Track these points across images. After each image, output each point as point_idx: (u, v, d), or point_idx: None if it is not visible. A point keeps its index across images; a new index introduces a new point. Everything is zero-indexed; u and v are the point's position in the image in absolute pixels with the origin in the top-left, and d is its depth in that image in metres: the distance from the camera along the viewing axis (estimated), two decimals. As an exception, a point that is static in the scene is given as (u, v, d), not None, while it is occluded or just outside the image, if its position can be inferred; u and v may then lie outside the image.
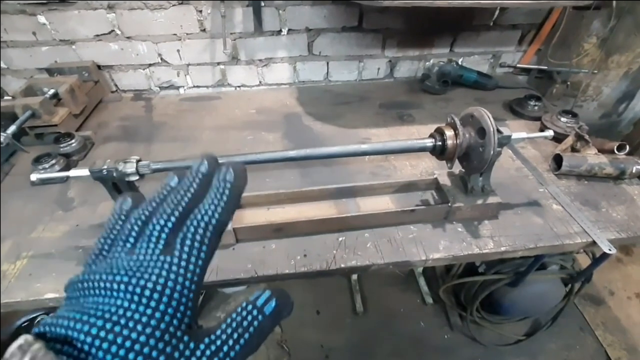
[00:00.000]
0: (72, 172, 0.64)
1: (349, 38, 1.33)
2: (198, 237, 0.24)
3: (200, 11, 1.20)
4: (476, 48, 1.43)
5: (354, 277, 1.77)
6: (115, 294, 0.22)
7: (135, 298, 0.22)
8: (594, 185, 0.92)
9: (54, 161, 0.92)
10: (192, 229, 0.24)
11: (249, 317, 0.24)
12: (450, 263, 0.82)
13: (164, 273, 0.23)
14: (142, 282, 0.22)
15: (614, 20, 1.16)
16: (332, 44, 1.34)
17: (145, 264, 0.23)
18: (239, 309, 0.25)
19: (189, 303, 0.23)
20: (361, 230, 0.79)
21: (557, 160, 0.95)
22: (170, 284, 0.22)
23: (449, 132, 0.68)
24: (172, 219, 0.25)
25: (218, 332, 0.23)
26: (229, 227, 0.72)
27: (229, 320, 0.24)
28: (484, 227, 0.80)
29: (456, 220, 0.81)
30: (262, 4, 1.20)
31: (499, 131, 0.66)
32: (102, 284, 0.23)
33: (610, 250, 0.75)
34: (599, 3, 1.13)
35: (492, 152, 0.65)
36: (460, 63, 1.39)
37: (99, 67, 1.30)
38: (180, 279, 0.23)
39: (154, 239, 0.24)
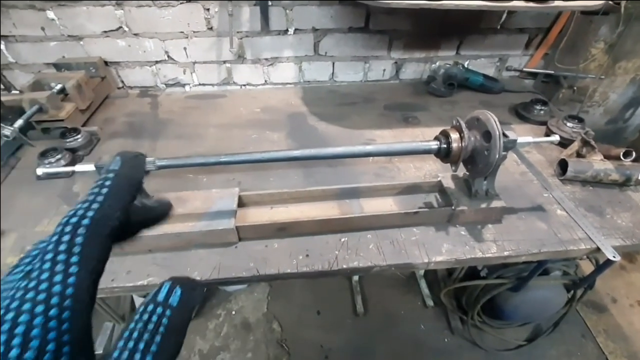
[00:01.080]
0: (78, 167, 0.65)
1: (355, 39, 1.33)
2: (62, 246, 0.20)
3: (208, 9, 1.20)
4: (483, 51, 1.42)
5: (355, 278, 1.76)
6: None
7: None
8: (599, 192, 0.91)
9: (59, 156, 0.92)
10: (54, 237, 0.20)
11: (154, 318, 0.22)
12: (452, 266, 0.81)
13: (13, 306, 0.17)
14: None
15: (622, 26, 1.15)
16: (338, 44, 1.34)
17: (9, 296, 0.18)
18: (137, 316, 0.22)
19: (61, 337, 0.17)
20: (364, 232, 0.79)
21: (563, 165, 0.95)
22: (21, 322, 0.17)
23: (455, 135, 0.68)
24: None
25: (116, 354, 0.20)
26: (231, 225, 0.73)
27: (127, 334, 0.21)
28: (488, 231, 0.79)
29: (459, 223, 0.80)
30: (270, 3, 1.20)
31: (504, 135, 0.66)
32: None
33: (614, 257, 0.75)
34: (607, 8, 1.13)
35: (497, 156, 0.64)
36: (466, 66, 1.38)
37: (106, 63, 1.31)
38: (38, 308, 0.17)
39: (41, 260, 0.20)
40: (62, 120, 1.06)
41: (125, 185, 0.24)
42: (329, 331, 1.59)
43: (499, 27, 1.35)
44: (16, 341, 0.16)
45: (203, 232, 0.73)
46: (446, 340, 1.56)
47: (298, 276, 0.72)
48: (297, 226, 0.77)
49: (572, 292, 1.29)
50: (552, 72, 1.37)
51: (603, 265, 1.04)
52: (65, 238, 0.20)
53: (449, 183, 0.84)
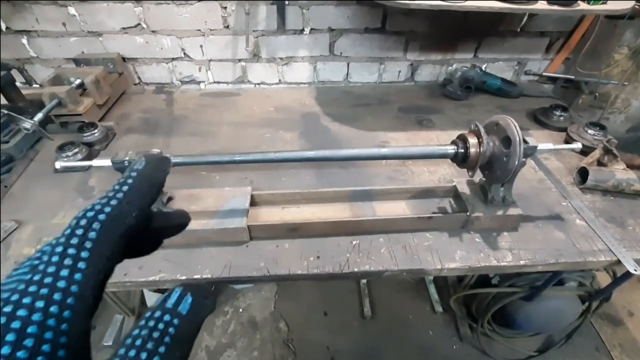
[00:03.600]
0: (95, 162, 0.65)
1: (371, 39, 1.32)
2: (74, 239, 0.19)
3: (225, 8, 1.21)
4: (501, 54, 1.40)
5: (364, 280, 1.75)
6: None
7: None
8: (620, 202, 0.88)
9: (76, 150, 0.94)
10: (67, 230, 0.19)
11: (160, 325, 0.20)
12: (465, 274, 0.80)
13: (13, 299, 0.16)
14: None
15: (648, 31, 1.12)
16: (353, 44, 1.33)
17: (14, 292, 0.17)
18: (143, 322, 0.20)
19: (58, 338, 0.16)
20: (376, 235, 0.78)
21: (583, 173, 0.92)
22: (18, 316, 0.16)
23: (473, 140, 0.67)
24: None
25: None
26: (243, 223, 0.72)
27: (129, 341, 0.19)
28: (503, 238, 0.78)
29: (474, 230, 0.79)
30: (286, 2, 1.20)
31: (524, 141, 0.64)
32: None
33: (635, 270, 0.72)
34: (633, 12, 1.09)
35: (516, 163, 0.63)
36: (484, 69, 1.36)
37: (124, 59, 1.32)
38: (38, 303, 0.16)
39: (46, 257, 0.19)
40: (80, 114, 1.07)
41: (147, 185, 0.23)
42: (335, 333, 1.58)
43: (519, 29, 1.32)
44: (10, 337, 0.15)
45: (215, 230, 0.73)
46: (455, 347, 1.54)
47: (308, 278, 0.71)
48: (308, 227, 0.76)
49: (587, 303, 1.25)
50: (573, 77, 1.34)
51: (621, 278, 1.01)
52: (79, 232, 0.19)
53: (464, 188, 0.82)
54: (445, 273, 0.74)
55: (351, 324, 1.62)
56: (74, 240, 0.19)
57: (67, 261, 0.18)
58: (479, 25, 1.31)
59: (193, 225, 0.73)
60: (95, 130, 1.02)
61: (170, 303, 0.21)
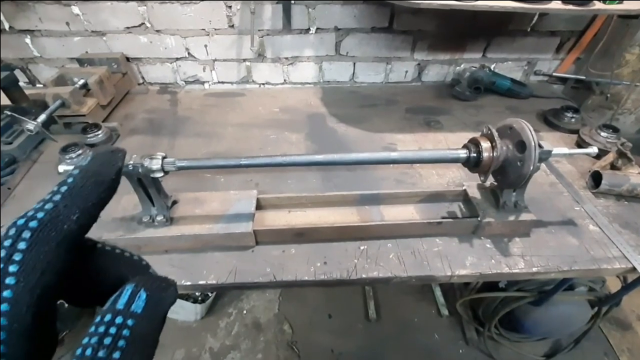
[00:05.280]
0: (98, 165, 0.64)
1: (378, 39, 1.30)
2: (2, 253, 0.17)
3: (230, 7, 1.19)
4: (511, 54, 1.37)
5: (368, 282, 1.74)
6: None
7: None
8: (635, 207, 0.86)
9: (80, 151, 0.92)
10: None
11: (112, 330, 0.18)
12: (476, 281, 0.78)
13: None
14: None
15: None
16: (360, 44, 1.31)
17: None
18: (92, 328, 0.18)
19: None
20: (384, 240, 0.76)
21: (596, 177, 0.90)
22: None
23: (485, 144, 0.65)
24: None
25: None
26: (249, 228, 0.71)
27: (79, 352, 0.17)
28: (515, 244, 0.76)
29: (485, 235, 0.77)
30: (292, 1, 1.18)
31: (539, 146, 0.62)
32: None
33: (653, 278, 0.70)
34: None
35: (531, 168, 0.61)
36: (492, 69, 1.34)
37: (127, 59, 1.31)
38: None
39: None
40: (83, 115, 1.06)
41: (91, 183, 0.20)
42: (340, 335, 1.57)
43: (529, 29, 1.29)
44: None
45: (220, 235, 0.71)
46: (461, 351, 1.52)
47: (315, 284, 0.70)
48: (315, 232, 0.75)
49: (596, 308, 1.23)
50: (584, 77, 1.32)
51: (632, 284, 0.99)
52: (7, 243, 0.17)
53: (474, 192, 0.80)
54: (455, 280, 0.72)
55: (356, 327, 1.60)
56: (2, 254, 0.17)
57: None
58: (489, 25, 1.28)
59: (198, 229, 0.72)
60: (99, 131, 1.01)
61: (121, 303, 0.19)
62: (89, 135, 1.00)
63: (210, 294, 1.62)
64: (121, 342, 0.17)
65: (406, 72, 1.41)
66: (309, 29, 1.26)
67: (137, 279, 0.20)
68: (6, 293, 0.16)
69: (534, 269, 0.71)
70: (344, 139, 1.11)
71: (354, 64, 1.37)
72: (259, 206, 0.79)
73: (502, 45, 1.34)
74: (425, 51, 1.35)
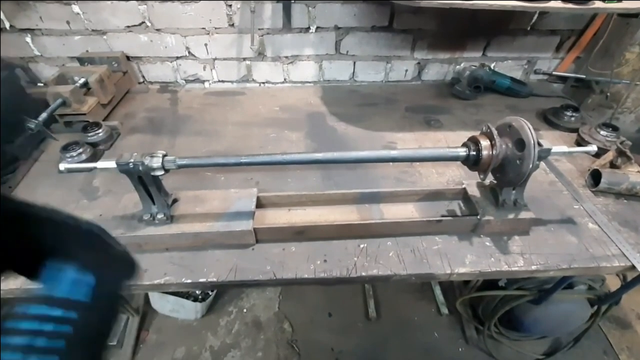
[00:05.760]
0: (100, 164, 0.64)
1: (378, 38, 1.30)
2: None
3: (230, 6, 1.19)
4: (510, 53, 1.37)
5: (368, 281, 1.74)
6: None
7: None
8: (634, 205, 0.86)
9: (81, 150, 0.93)
10: None
11: (47, 327, 0.12)
12: (476, 279, 0.78)
13: None
14: None
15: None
16: (360, 43, 1.31)
17: None
18: (12, 324, 0.13)
19: None
20: (384, 238, 0.76)
21: (595, 176, 0.90)
22: None
23: (485, 142, 0.65)
24: None
25: None
26: (249, 226, 0.71)
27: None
28: (514, 242, 0.76)
29: (484, 233, 0.77)
30: (292, 0, 1.18)
31: (539, 144, 0.62)
32: None
33: (651, 276, 0.70)
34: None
35: (530, 166, 0.61)
36: (492, 68, 1.34)
37: (128, 58, 1.31)
38: None
39: None
40: (84, 114, 1.06)
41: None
42: (340, 334, 1.57)
43: (529, 28, 1.30)
44: None
45: (221, 233, 0.72)
46: (460, 349, 1.52)
47: (316, 282, 0.70)
48: (315, 230, 0.75)
49: (596, 307, 1.23)
50: (584, 76, 1.31)
51: (632, 282, 0.99)
52: None
53: (473, 191, 0.81)
54: (455, 278, 0.73)
55: (356, 325, 1.61)
56: None
57: None
58: (489, 24, 1.28)
59: (199, 227, 0.72)
60: (100, 130, 1.02)
61: (60, 290, 0.14)
62: (89, 134, 1.00)
63: (210, 293, 1.62)
64: (60, 343, 0.13)
65: (406, 71, 1.41)
66: (309, 27, 1.26)
67: (79, 257, 0.14)
68: None
69: (534, 267, 0.72)
70: (344, 137, 1.11)
71: (354, 62, 1.37)
72: (259, 204, 0.79)
73: (502, 44, 1.34)
74: (425, 50, 1.35)
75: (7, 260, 0.17)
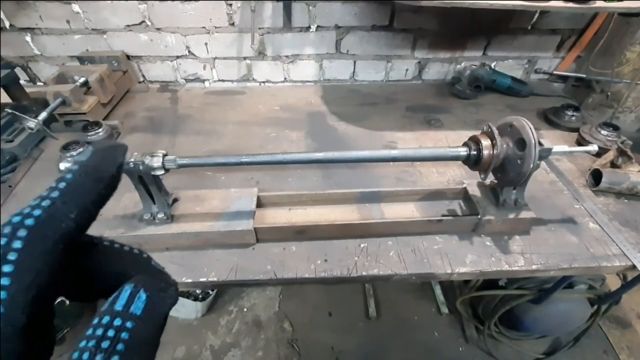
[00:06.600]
0: (99, 163, 0.64)
1: (378, 37, 1.30)
2: None
3: (230, 5, 1.19)
4: (511, 52, 1.37)
5: (368, 280, 1.74)
6: None
7: None
8: (635, 205, 0.86)
9: (81, 149, 0.92)
10: None
11: (110, 333, 0.17)
12: (477, 278, 0.78)
13: None
14: None
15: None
16: (360, 42, 1.31)
17: None
18: (89, 331, 0.17)
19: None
20: (384, 238, 0.76)
21: (596, 175, 0.90)
22: None
23: (486, 142, 0.65)
24: None
25: None
26: (250, 226, 0.71)
27: (76, 355, 0.16)
28: (515, 242, 0.76)
29: (485, 233, 0.77)
30: (293, -1, 1.18)
31: (539, 143, 0.62)
32: None
33: (652, 276, 0.70)
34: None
35: (531, 166, 0.61)
36: (493, 67, 1.33)
37: (128, 57, 1.31)
38: None
39: None
40: (84, 113, 1.06)
41: (90, 180, 0.19)
42: (340, 333, 1.57)
43: (529, 27, 1.29)
44: None
45: (221, 232, 0.71)
46: (460, 349, 1.52)
47: (316, 281, 0.70)
48: (315, 230, 0.75)
49: (596, 306, 1.23)
50: (584, 75, 1.31)
51: (632, 282, 0.99)
52: (2, 242, 0.16)
53: (474, 190, 0.81)
54: (455, 277, 0.73)
55: (356, 325, 1.61)
56: None
57: None
58: (489, 23, 1.28)
59: (199, 227, 0.72)
60: (100, 129, 1.01)
61: (119, 304, 0.18)
62: (89, 133, 1.00)
63: (210, 292, 1.62)
64: (120, 346, 0.17)
65: (406, 70, 1.41)
66: (309, 26, 1.26)
67: (136, 279, 0.19)
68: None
69: (534, 267, 0.71)
70: (344, 137, 1.11)
71: (354, 62, 1.37)
72: (260, 204, 0.79)
73: (502, 43, 1.34)
74: (425, 49, 1.35)
75: (100, 292, 0.21)
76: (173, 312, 1.59)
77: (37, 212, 0.17)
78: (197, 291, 1.60)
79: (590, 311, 1.24)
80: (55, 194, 0.18)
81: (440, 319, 1.62)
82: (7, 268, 0.16)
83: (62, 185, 0.19)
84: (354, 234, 0.76)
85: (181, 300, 1.54)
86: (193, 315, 1.60)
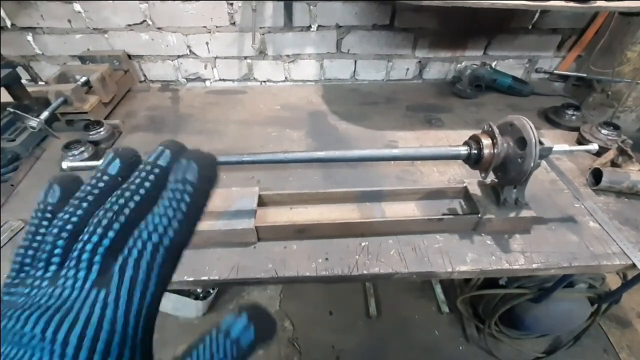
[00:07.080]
0: (102, 162, 0.64)
1: (379, 36, 1.30)
2: (144, 265, 0.18)
3: (232, 4, 1.19)
4: (512, 52, 1.37)
5: (369, 279, 1.74)
6: (29, 346, 0.15)
7: (57, 353, 0.15)
8: (635, 204, 0.86)
9: (83, 148, 0.93)
10: (135, 253, 0.18)
11: (221, 351, 0.18)
12: (477, 277, 0.78)
13: (94, 318, 0.16)
14: (62, 333, 0.16)
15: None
16: (361, 42, 1.31)
17: (70, 303, 0.17)
18: (207, 340, 0.18)
19: (134, 355, 0.17)
20: (385, 237, 0.77)
21: (596, 174, 0.90)
22: (104, 333, 0.16)
23: (486, 141, 0.65)
24: (110, 234, 0.18)
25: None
26: (251, 225, 0.71)
27: (195, 356, 0.18)
28: (515, 241, 0.76)
29: (485, 232, 0.77)
30: (294, -2, 1.18)
31: (540, 142, 0.63)
32: (11, 332, 0.16)
33: (652, 275, 0.70)
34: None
35: (532, 165, 0.61)
36: (494, 67, 1.34)
37: (129, 56, 1.31)
38: (118, 325, 0.17)
39: (84, 264, 0.18)
40: (86, 112, 1.07)
41: (202, 202, 0.20)
42: (340, 332, 1.58)
43: (530, 26, 1.29)
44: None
45: (222, 231, 0.72)
46: (461, 348, 1.53)
47: (317, 280, 0.70)
48: (316, 228, 0.75)
49: (596, 305, 1.23)
50: (585, 75, 1.31)
51: (632, 281, 0.99)
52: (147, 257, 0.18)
53: (475, 189, 0.81)
54: (455, 276, 0.73)
55: (356, 324, 1.61)
56: (142, 276, 0.18)
57: (135, 305, 0.18)
58: (490, 22, 1.28)
59: (200, 225, 0.72)
60: (101, 129, 1.02)
61: (235, 332, 0.19)
62: (91, 133, 1.00)
63: (211, 291, 1.63)
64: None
65: (407, 69, 1.41)
66: (310, 26, 1.26)
67: (251, 311, 0.20)
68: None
69: (534, 266, 0.72)
70: (345, 136, 1.11)
71: (355, 61, 1.37)
72: (261, 203, 0.79)
73: (503, 42, 1.34)
74: (426, 49, 1.35)
75: None
76: (173, 311, 1.59)
77: (170, 234, 0.19)
78: (198, 290, 1.60)
79: (590, 310, 1.24)
80: (179, 216, 0.19)
81: (441, 318, 1.63)
82: (150, 288, 0.18)
83: (183, 207, 0.19)
84: (355, 233, 0.77)
85: (182, 299, 1.54)
86: (194, 314, 1.61)
